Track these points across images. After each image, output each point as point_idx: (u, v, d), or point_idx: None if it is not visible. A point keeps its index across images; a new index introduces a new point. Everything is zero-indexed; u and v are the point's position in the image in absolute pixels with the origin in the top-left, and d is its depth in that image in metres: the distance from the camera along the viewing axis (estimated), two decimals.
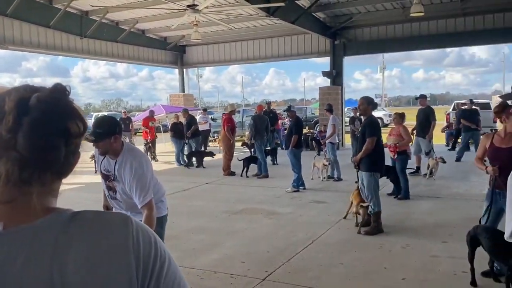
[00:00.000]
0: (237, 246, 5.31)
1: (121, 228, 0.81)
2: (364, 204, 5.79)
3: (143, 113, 19.69)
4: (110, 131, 2.86)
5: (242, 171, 10.70)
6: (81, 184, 8.70)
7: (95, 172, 3.10)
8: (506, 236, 2.70)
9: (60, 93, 0.82)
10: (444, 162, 9.74)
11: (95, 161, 3.24)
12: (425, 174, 9.74)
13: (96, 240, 0.79)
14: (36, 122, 0.76)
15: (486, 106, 17.40)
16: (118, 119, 15.57)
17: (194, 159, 12.87)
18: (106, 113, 33.53)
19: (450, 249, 4.99)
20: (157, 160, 14.22)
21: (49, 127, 0.77)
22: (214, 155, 12.78)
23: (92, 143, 2.85)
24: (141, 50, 18.27)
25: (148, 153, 14.37)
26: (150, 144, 14.47)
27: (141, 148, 14.54)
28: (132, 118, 18.18)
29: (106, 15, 14.28)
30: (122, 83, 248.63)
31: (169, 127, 14.46)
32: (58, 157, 0.78)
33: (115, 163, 2.99)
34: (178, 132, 13.05)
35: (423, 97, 10.48)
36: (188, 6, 10.17)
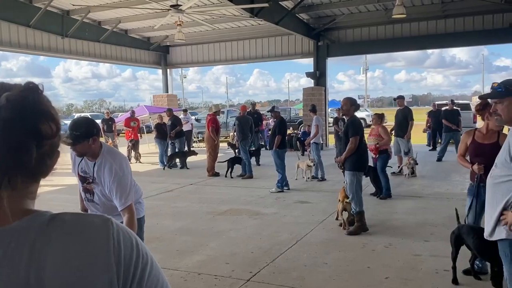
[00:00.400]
0: (221, 247, 5.29)
1: (101, 230, 0.79)
2: (349, 200, 5.83)
3: (126, 113, 19.49)
4: (88, 133, 2.80)
5: (227, 172, 10.67)
6: (62, 186, 8.57)
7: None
8: (485, 235, 2.75)
9: (31, 92, 0.78)
10: (416, 163, 9.90)
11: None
12: (406, 174, 9.88)
13: (75, 243, 0.77)
14: (4, 123, 0.72)
15: (466, 107, 17.72)
16: (100, 120, 15.50)
17: (177, 160, 12.78)
18: (88, 114, 33.10)
19: (432, 248, 5.06)
20: (141, 162, 14.09)
21: (17, 127, 0.73)
22: (197, 153, 12.72)
23: (69, 146, 2.79)
24: (124, 50, 18.10)
25: (133, 153, 14.25)
26: (132, 144, 14.32)
27: (125, 149, 14.40)
28: (115, 118, 17.96)
29: (88, 14, 14.09)
30: (104, 83, 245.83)
31: (153, 127, 14.35)
32: (29, 160, 0.75)
33: (94, 165, 2.94)
34: (162, 132, 12.95)
35: (401, 98, 10.73)
36: (172, 6, 10.10)
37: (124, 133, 16.10)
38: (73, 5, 13.00)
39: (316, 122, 10.07)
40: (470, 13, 14.08)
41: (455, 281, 4.02)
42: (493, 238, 2.66)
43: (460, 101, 20.70)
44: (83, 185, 3.07)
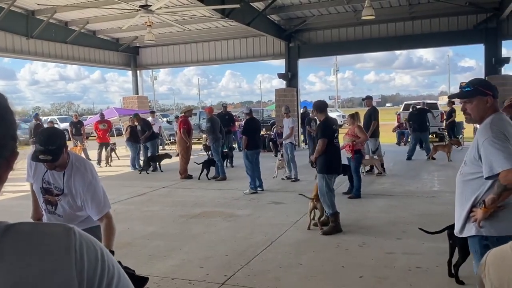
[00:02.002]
0: (195, 251, 5.21)
1: (62, 241, 0.73)
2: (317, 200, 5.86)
3: (95, 116, 19.05)
4: (62, 144, 2.65)
5: (200, 174, 10.53)
6: (25, 192, 8.26)
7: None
8: (456, 232, 2.79)
9: None
10: (380, 167, 10.08)
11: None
12: (378, 173, 10.04)
13: (32, 255, 0.70)
14: None
15: (433, 107, 18.19)
16: (69, 123, 15.05)
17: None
18: (56, 117, 32.18)
19: (404, 245, 5.13)
20: (111, 165, 13.79)
21: None
22: (171, 156, 12.52)
23: (47, 163, 2.61)
24: (92, 52, 17.71)
25: (112, 153, 14.01)
26: (104, 147, 14.03)
27: (94, 152, 14.08)
28: (83, 121, 17.53)
29: (55, 14, 13.72)
30: (73, 86, 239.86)
31: (124, 130, 14.07)
32: None
33: (63, 175, 2.77)
34: (134, 135, 12.70)
35: (368, 98, 10.94)
36: (141, 6, 9.94)
37: (94, 136, 15.73)
38: (38, 4, 12.61)
39: (292, 123, 10.17)
40: (436, 15, 14.47)
41: (450, 274, 4.05)
42: (463, 235, 2.70)
43: (428, 101, 21.26)
44: (44, 197, 2.89)
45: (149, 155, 12.61)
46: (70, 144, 16.77)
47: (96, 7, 12.58)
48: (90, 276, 0.72)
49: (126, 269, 2.59)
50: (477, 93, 2.63)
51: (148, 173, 12.07)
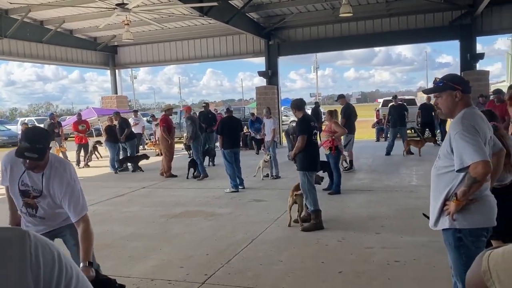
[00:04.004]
0: (176, 251, 5.18)
1: (16, 245, 0.71)
2: (298, 193, 5.89)
3: (73, 117, 18.75)
4: (48, 143, 2.64)
5: (188, 173, 10.42)
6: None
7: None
8: (430, 225, 2.84)
9: None
10: (346, 162, 10.20)
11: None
12: (345, 168, 10.13)
13: None
14: None
15: (412, 102, 18.46)
16: (47, 124, 14.78)
17: (129, 164, 12.41)
18: (33, 118, 31.54)
19: (383, 240, 5.20)
20: (89, 166, 13.60)
21: None
22: (149, 157, 12.40)
23: (29, 162, 2.57)
24: (69, 51, 17.42)
25: (95, 153, 13.84)
26: (83, 148, 13.85)
27: (73, 153, 13.86)
28: (62, 122, 17.23)
29: (29, 13, 13.43)
30: (51, 86, 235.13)
31: (103, 130, 13.87)
32: None
33: (42, 176, 2.71)
34: (113, 135, 12.53)
35: (341, 97, 11.21)
36: (117, 4, 9.81)
37: (73, 137, 15.48)
38: (11, 3, 12.32)
39: (273, 125, 10.21)
40: (412, 11, 14.68)
41: None
42: (437, 228, 2.76)
43: (406, 97, 21.57)
44: (23, 200, 2.82)
45: (128, 154, 12.48)
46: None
47: (72, 6, 12.38)
48: (47, 279, 0.71)
49: (106, 279, 2.56)
50: (447, 88, 2.69)
51: (116, 173, 11.89)
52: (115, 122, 12.79)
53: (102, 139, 13.58)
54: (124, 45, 18.81)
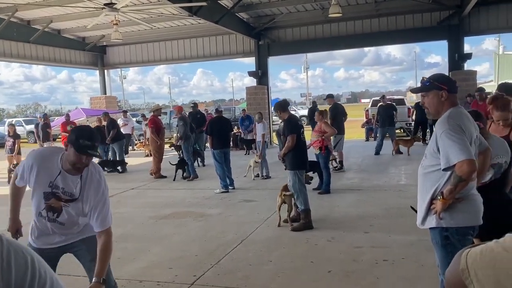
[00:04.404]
0: (165, 252, 5.16)
1: None
2: (287, 193, 5.90)
3: (61, 118, 18.58)
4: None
5: (175, 174, 10.33)
6: None
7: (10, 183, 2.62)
8: (417, 223, 2.86)
9: None
10: (335, 162, 10.23)
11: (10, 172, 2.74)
12: (335, 168, 10.16)
13: None
14: None
15: (401, 102, 18.60)
16: (34, 125, 14.60)
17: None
18: (21, 119, 31.19)
19: (372, 239, 5.23)
20: None
21: None
22: (126, 163, 12.17)
23: (79, 163, 2.51)
24: (57, 51, 17.25)
25: None
26: None
27: None
28: (50, 123, 17.05)
29: (16, 13, 13.27)
30: (39, 86, 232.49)
31: None
32: None
33: (80, 179, 2.59)
34: (102, 136, 12.42)
35: (330, 96, 11.34)
36: (106, 4, 9.73)
37: (60, 138, 15.33)
38: None
39: (263, 130, 10.25)
40: (401, 12, 14.78)
41: None
42: (425, 227, 2.78)
43: (395, 97, 21.71)
44: (47, 203, 2.64)
45: (117, 154, 12.36)
46: (36, 147, 16.30)
47: (59, 6, 12.25)
48: (18, 283, 0.70)
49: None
50: (433, 87, 2.72)
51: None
52: (104, 123, 12.69)
53: None
54: (113, 45, 18.67)
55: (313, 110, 16.30)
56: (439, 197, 2.62)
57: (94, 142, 2.51)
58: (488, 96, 4.45)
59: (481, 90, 9.98)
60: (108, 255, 2.55)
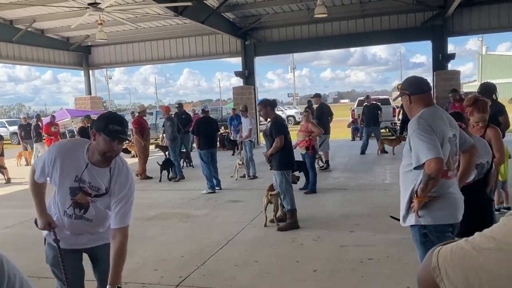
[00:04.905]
0: (150, 254, 5.12)
1: None
2: (273, 193, 5.91)
3: (45, 119, 18.32)
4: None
5: (160, 175, 10.27)
6: None
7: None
8: (400, 221, 2.90)
9: None
10: (321, 161, 10.28)
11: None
12: (321, 167, 10.22)
13: None
14: None
15: (386, 102, 18.77)
16: (17, 126, 14.39)
17: None
18: (4, 120, 30.70)
19: (357, 238, 5.27)
20: None
21: None
22: None
23: (110, 152, 2.36)
24: (41, 51, 17.02)
25: None
26: None
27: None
28: (32, 124, 16.82)
29: None
30: (23, 87, 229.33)
31: (76, 132, 13.62)
32: None
33: (110, 171, 2.44)
34: (87, 137, 12.28)
35: (317, 96, 11.40)
36: (90, 4, 9.63)
37: (44, 139, 15.12)
38: None
39: (250, 125, 10.20)
40: (386, 12, 14.92)
41: None
42: (406, 224, 2.84)
43: (381, 96, 21.90)
44: (74, 198, 2.47)
45: None
46: (19, 148, 16.06)
47: (42, 5, 12.09)
48: None
49: None
50: (401, 94, 2.87)
51: None
52: (88, 125, 12.58)
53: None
54: (98, 45, 18.49)
55: (321, 108, 16.04)
56: (413, 196, 2.68)
57: (125, 128, 2.37)
58: (464, 97, 4.52)
59: (455, 91, 10.13)
60: (123, 260, 2.40)
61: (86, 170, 2.41)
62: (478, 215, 3.05)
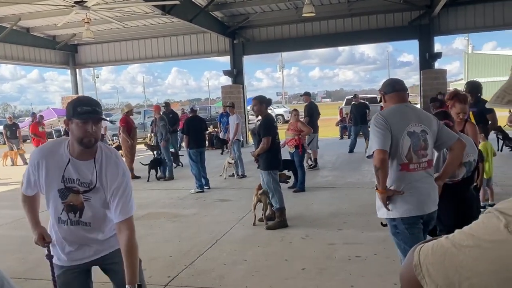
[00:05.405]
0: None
1: None
2: (261, 191, 5.92)
3: (30, 118, 18.10)
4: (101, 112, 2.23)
5: (149, 175, 10.21)
6: None
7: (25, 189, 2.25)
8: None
9: None
10: (310, 160, 10.34)
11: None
12: (310, 166, 10.26)
13: None
14: None
15: (374, 101, 18.89)
16: (2, 126, 14.21)
17: None
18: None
19: (345, 236, 5.30)
20: None
21: None
22: None
23: (87, 139, 2.16)
24: (26, 50, 16.79)
25: None
26: None
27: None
28: (19, 124, 16.63)
29: None
30: (8, 86, 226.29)
31: (63, 132, 13.48)
32: None
33: (94, 162, 2.23)
34: None
35: (306, 94, 11.41)
36: (76, 2, 9.52)
37: (30, 139, 14.96)
38: None
39: (236, 120, 10.17)
40: (373, 12, 15.01)
41: None
42: (379, 216, 3.07)
43: (369, 95, 22.06)
44: (65, 202, 2.26)
45: None
46: (5, 148, 15.84)
47: (28, 3, 11.92)
48: None
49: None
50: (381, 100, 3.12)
51: None
52: None
53: None
54: (85, 44, 18.31)
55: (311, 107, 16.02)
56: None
57: (95, 107, 2.17)
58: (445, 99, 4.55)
59: (435, 100, 10.32)
60: (135, 255, 2.22)
61: (70, 165, 2.22)
62: (466, 212, 3.11)
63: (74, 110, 2.14)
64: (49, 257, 2.41)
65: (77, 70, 19.61)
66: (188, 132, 8.72)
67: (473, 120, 5.02)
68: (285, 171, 7.63)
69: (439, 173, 3.07)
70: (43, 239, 2.35)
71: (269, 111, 6.75)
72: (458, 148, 3.02)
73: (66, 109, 2.26)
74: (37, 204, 2.48)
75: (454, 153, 3.01)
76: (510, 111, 11.06)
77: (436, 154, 3.16)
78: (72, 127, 2.18)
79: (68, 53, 18.79)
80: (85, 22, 10.95)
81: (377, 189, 2.88)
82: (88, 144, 2.18)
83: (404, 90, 3.05)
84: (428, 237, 2.76)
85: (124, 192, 2.24)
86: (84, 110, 2.12)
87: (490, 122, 5.75)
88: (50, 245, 2.40)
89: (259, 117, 6.20)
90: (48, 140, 14.72)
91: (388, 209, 2.85)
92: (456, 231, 0.79)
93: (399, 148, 2.81)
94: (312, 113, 10.66)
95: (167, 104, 13.83)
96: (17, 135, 14.59)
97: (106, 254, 2.45)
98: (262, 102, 6.00)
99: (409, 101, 3.48)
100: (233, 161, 9.75)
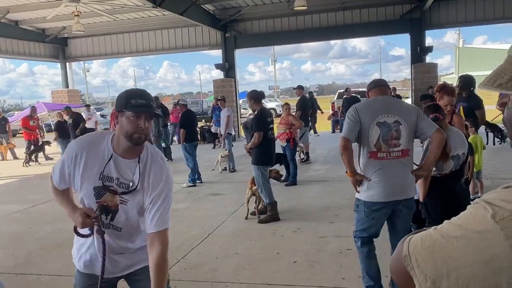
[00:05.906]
0: None
1: None
2: (255, 187, 5.93)
3: (22, 112, 17.94)
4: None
5: None
6: None
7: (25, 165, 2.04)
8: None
9: None
10: (302, 153, 10.34)
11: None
12: (301, 160, 10.28)
13: None
14: None
15: (365, 95, 18.94)
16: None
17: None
18: None
19: (336, 229, 5.33)
20: (40, 163, 13.06)
21: None
22: (50, 143, 12.76)
23: (138, 134, 1.96)
24: (14, 43, 16.59)
25: (33, 157, 13.11)
26: (33, 147, 13.24)
27: (23, 151, 13.26)
28: (8, 118, 16.46)
29: None
30: None
31: (54, 127, 13.36)
32: None
33: (139, 161, 2.04)
34: (64, 131, 12.09)
35: (299, 87, 11.50)
36: None
37: (21, 133, 14.81)
38: None
39: (227, 113, 10.14)
40: (365, 5, 15.03)
41: None
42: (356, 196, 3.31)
43: (361, 89, 22.12)
44: (99, 201, 2.05)
45: None
46: None
47: None
48: None
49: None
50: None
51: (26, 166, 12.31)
52: (66, 117, 12.35)
53: (52, 137, 13.12)
54: (75, 37, 18.12)
55: (311, 101, 15.91)
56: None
57: (150, 101, 1.99)
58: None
59: (426, 97, 10.38)
60: (165, 272, 2.00)
61: (111, 162, 2.01)
62: (455, 205, 3.13)
63: (128, 101, 1.95)
64: (101, 232, 2.05)
65: (67, 63, 19.43)
66: (185, 126, 8.71)
67: (462, 114, 5.07)
68: (277, 165, 7.63)
69: (420, 164, 3.17)
70: (88, 216, 2.04)
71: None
72: (436, 138, 3.07)
73: (116, 100, 2.07)
74: (70, 194, 2.24)
75: (433, 143, 3.07)
76: (499, 96, 11.16)
77: (425, 145, 3.23)
78: (121, 120, 1.99)
79: (58, 47, 18.59)
80: (75, 15, 10.86)
81: (346, 172, 3.18)
82: (138, 140, 1.98)
83: (384, 85, 3.35)
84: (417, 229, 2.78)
85: (164, 201, 2.03)
86: (139, 103, 1.94)
87: (478, 118, 5.78)
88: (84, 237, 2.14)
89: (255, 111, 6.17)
90: (44, 134, 14.65)
91: (357, 191, 3.18)
92: (445, 222, 0.79)
93: (369, 137, 3.08)
94: (305, 107, 10.69)
95: (156, 98, 13.75)
96: (7, 129, 14.43)
97: (135, 270, 2.22)
98: (252, 98, 6.00)
99: (398, 95, 3.75)
100: (227, 153, 9.73)
